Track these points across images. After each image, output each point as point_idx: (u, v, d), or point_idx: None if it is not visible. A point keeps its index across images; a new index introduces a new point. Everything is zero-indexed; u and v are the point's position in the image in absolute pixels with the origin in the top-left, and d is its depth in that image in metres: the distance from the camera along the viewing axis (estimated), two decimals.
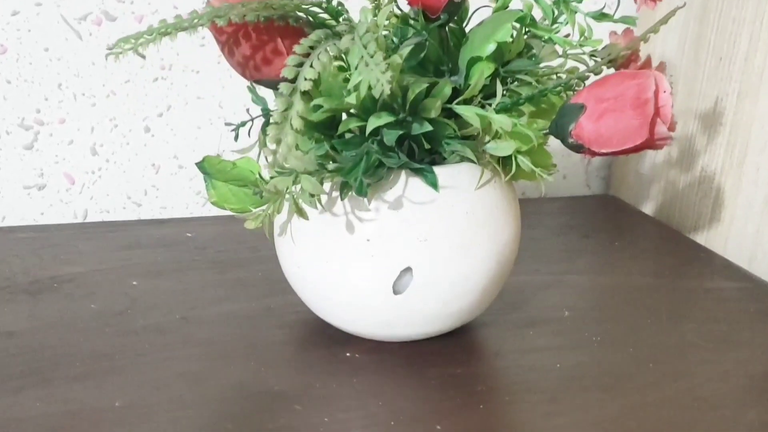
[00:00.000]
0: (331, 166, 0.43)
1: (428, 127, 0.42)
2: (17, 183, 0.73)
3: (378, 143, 0.42)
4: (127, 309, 0.53)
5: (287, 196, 0.44)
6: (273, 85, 0.43)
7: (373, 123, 0.41)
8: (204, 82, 0.75)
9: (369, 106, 0.41)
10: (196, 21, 0.40)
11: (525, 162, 0.44)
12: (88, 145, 0.74)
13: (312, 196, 0.43)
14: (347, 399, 0.44)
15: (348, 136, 0.43)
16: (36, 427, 0.40)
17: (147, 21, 0.72)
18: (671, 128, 0.44)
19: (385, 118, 0.41)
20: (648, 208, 0.82)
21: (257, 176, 0.47)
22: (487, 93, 0.47)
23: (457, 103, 0.43)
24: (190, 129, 0.76)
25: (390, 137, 0.41)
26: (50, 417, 0.41)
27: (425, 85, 0.41)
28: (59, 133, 0.73)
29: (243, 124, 0.50)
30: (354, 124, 0.41)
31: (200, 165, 0.48)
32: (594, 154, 0.45)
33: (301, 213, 0.42)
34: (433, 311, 0.47)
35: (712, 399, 0.46)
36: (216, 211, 0.77)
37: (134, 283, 0.57)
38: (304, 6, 0.41)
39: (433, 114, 0.42)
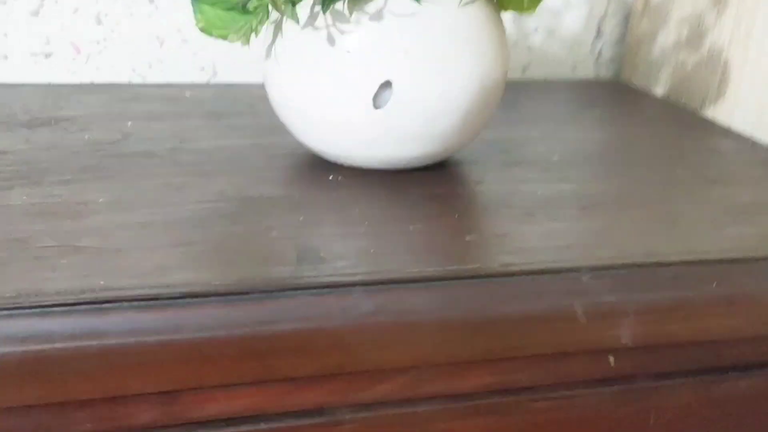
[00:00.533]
0: None
1: None
2: (25, 49, 0.74)
3: None
4: (119, 140, 0.54)
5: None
6: None
7: None
8: None
9: None
10: None
11: None
12: (93, 13, 0.75)
13: (291, 3, 0.44)
14: (324, 205, 0.45)
15: None
16: (21, 212, 0.41)
17: None
18: None
19: None
20: (658, 92, 0.81)
21: None
22: None
23: None
24: None
25: None
26: (34, 206, 0.42)
27: None
28: (64, 1, 0.74)
29: None
30: None
31: None
32: None
33: (280, 8, 0.42)
34: (414, 129, 0.47)
35: (689, 219, 0.46)
36: (218, 80, 0.77)
37: (129, 123, 0.58)
38: None
39: None
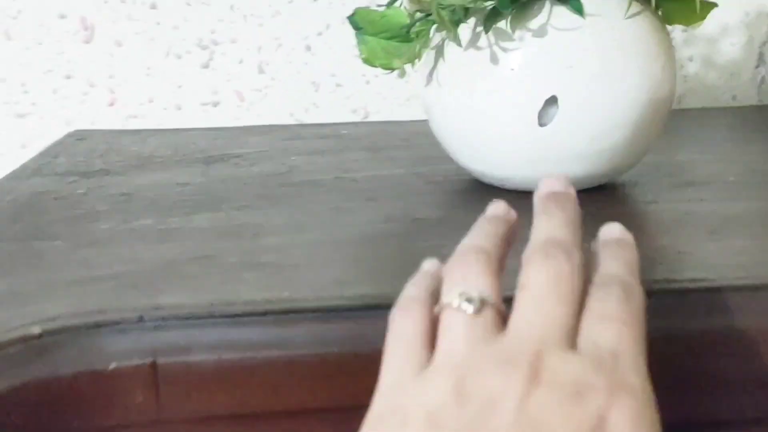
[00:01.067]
0: None
1: None
2: (195, 100, 0.80)
3: None
4: (286, 172, 0.57)
5: (432, 29, 0.45)
6: None
7: None
8: (359, 2, 0.78)
9: None
10: None
11: None
12: (256, 63, 0.80)
13: (455, 24, 0.45)
14: None
15: None
16: (206, 233, 0.44)
17: None
18: None
19: None
20: None
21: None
22: None
23: None
24: (347, 47, 0.80)
25: None
26: (217, 228, 0.45)
27: None
28: (231, 53, 0.79)
29: None
30: None
31: (351, 18, 0.51)
32: None
33: (447, 26, 0.43)
34: (581, 147, 0.46)
35: None
36: (369, 119, 0.80)
37: (293, 158, 0.61)
38: None
39: None
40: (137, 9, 0.77)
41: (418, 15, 0.47)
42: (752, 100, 0.87)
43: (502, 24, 0.45)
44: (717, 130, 0.70)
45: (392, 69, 0.50)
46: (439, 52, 0.49)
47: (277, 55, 0.80)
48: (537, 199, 0.30)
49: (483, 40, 0.46)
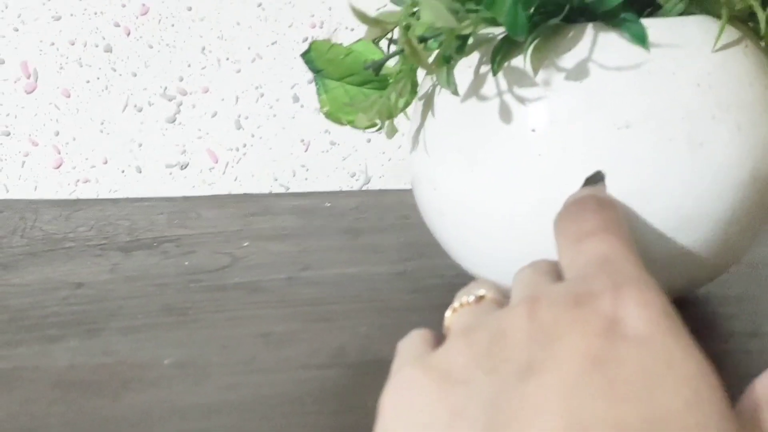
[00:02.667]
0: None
1: None
2: (160, 161, 0.65)
3: None
4: (225, 267, 0.41)
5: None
6: None
7: None
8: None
9: None
10: None
11: None
12: (233, 117, 0.65)
13: (446, 61, 0.29)
14: None
15: None
16: (51, 380, 0.28)
17: None
18: None
19: None
20: None
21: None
22: None
23: None
24: None
25: None
26: (73, 369, 0.29)
27: None
28: (202, 104, 0.65)
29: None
30: None
31: (306, 55, 0.36)
32: None
33: (425, 62, 0.27)
34: (639, 249, 0.29)
35: None
36: (371, 188, 0.64)
37: (245, 244, 0.45)
38: None
39: None
40: (89, 53, 0.63)
41: (394, 48, 0.32)
42: None
43: (519, 61, 0.29)
44: None
45: (364, 127, 0.34)
46: (428, 103, 0.33)
47: (258, 106, 0.65)
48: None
49: (490, 86, 0.30)
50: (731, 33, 0.29)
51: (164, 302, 0.36)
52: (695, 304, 0.34)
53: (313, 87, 0.65)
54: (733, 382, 0.19)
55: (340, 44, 0.35)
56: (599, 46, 0.29)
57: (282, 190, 0.65)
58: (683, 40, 0.29)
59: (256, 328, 0.33)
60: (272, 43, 0.64)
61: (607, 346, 0.18)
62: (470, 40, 0.31)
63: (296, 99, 0.65)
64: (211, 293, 0.37)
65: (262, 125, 0.65)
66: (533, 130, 0.29)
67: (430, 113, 0.33)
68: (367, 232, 0.47)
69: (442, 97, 0.32)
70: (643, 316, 0.19)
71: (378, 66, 0.31)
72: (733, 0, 0.27)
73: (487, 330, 0.21)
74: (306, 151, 0.66)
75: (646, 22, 0.28)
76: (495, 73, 0.30)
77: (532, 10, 0.30)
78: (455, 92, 0.31)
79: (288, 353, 0.30)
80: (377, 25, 0.27)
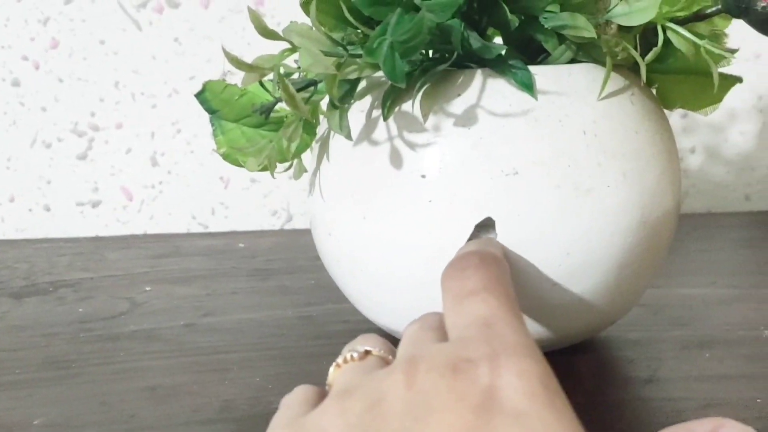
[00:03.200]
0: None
1: None
2: (70, 199, 0.63)
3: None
4: (122, 313, 0.39)
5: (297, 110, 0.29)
6: None
7: None
8: None
9: None
10: None
11: (678, 30, 0.26)
12: (148, 153, 0.63)
13: (336, 106, 0.28)
14: None
15: None
16: None
17: (214, 6, 0.62)
18: None
19: None
20: None
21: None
22: None
23: None
24: None
25: (444, 8, 0.25)
26: None
27: None
28: (116, 140, 0.63)
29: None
30: None
31: (200, 96, 0.35)
32: None
33: (300, 107, 0.27)
34: (529, 299, 0.29)
35: None
36: (293, 227, 0.63)
37: (147, 288, 0.43)
38: None
39: None
40: None
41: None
42: None
43: (410, 106, 0.29)
44: (733, 247, 0.53)
45: (256, 170, 0.33)
46: (324, 146, 0.32)
47: (175, 142, 0.64)
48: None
49: (382, 131, 0.30)
50: (618, 81, 0.30)
51: (49, 354, 0.34)
52: (594, 348, 0.34)
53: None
54: None
55: (235, 84, 0.34)
56: (488, 92, 0.28)
57: (200, 229, 0.64)
58: (570, 88, 0.29)
59: (143, 382, 0.31)
60: (190, 78, 0.63)
61: (482, 422, 0.18)
62: (363, 83, 0.31)
63: (217, 135, 0.64)
64: (101, 343, 0.35)
65: (180, 161, 0.64)
66: (423, 176, 0.28)
67: (325, 157, 0.32)
68: (278, 274, 0.46)
69: (337, 141, 0.31)
70: (521, 387, 0.18)
71: (267, 110, 0.30)
72: (615, 50, 0.27)
73: (363, 395, 0.20)
74: (225, 188, 0.64)
75: (534, 70, 0.29)
76: (386, 118, 0.29)
77: (422, 54, 0.30)
78: (348, 137, 0.30)
79: (172, 409, 0.29)
80: (253, 70, 0.26)
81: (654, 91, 0.33)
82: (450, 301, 0.23)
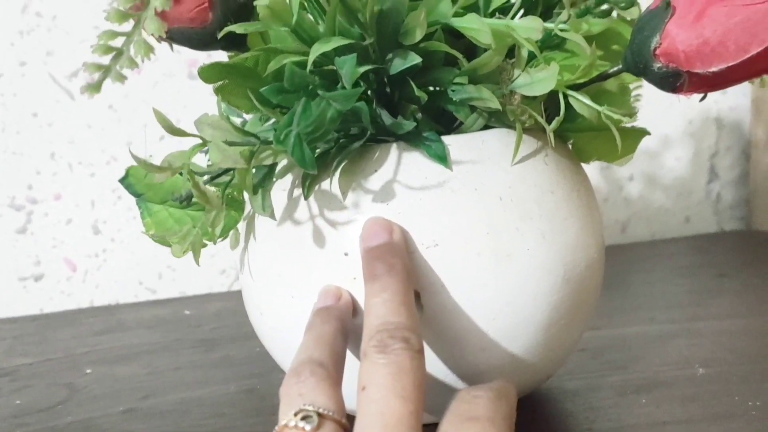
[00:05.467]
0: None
1: (415, 59, 0.27)
2: (11, 274, 0.62)
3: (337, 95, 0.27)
4: (59, 403, 0.38)
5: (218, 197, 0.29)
6: (185, 35, 0.29)
7: (318, 49, 0.25)
8: None
9: (310, 32, 0.26)
10: None
11: (578, 98, 0.27)
12: (89, 223, 0.63)
13: (256, 188, 0.28)
14: None
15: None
16: None
17: (148, 72, 0.62)
18: None
19: (337, 41, 0.25)
20: None
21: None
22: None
23: (455, 15, 0.27)
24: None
25: (349, 71, 0.25)
26: None
27: None
28: (55, 212, 0.62)
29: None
30: (291, 60, 0.26)
31: (123, 180, 0.35)
32: (699, 85, 0.28)
33: (212, 201, 0.27)
34: (459, 365, 0.29)
35: None
36: (239, 284, 0.63)
37: (88, 371, 0.43)
38: None
39: (418, 36, 0.26)
40: None
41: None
42: (709, 221, 0.72)
43: (327, 184, 0.29)
44: (672, 277, 0.54)
45: (173, 254, 0.33)
46: (250, 225, 0.32)
47: (116, 209, 0.63)
48: (362, 256, 0.28)
49: (304, 210, 0.30)
50: (531, 143, 0.30)
51: None
52: (533, 404, 0.34)
53: (164, 144, 0.63)
54: None
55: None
56: (404, 165, 0.29)
57: (148, 294, 0.63)
58: (484, 155, 0.29)
59: None
60: (127, 144, 0.62)
61: None
62: (284, 162, 0.31)
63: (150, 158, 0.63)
64: None
65: (122, 228, 0.63)
66: (346, 254, 0.29)
67: (252, 236, 0.32)
68: (223, 343, 0.46)
69: (262, 219, 0.31)
70: None
71: (188, 197, 0.30)
72: (523, 118, 0.28)
73: None
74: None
75: (448, 140, 0.29)
76: (306, 198, 0.29)
77: (337, 132, 0.30)
78: (272, 216, 0.30)
79: None
80: (162, 171, 0.26)
81: (570, 145, 0.34)
82: (451, 419, 0.23)
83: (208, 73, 0.28)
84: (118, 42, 0.22)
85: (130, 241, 0.63)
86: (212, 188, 0.29)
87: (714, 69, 0.27)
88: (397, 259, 0.27)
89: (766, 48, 0.26)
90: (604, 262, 0.33)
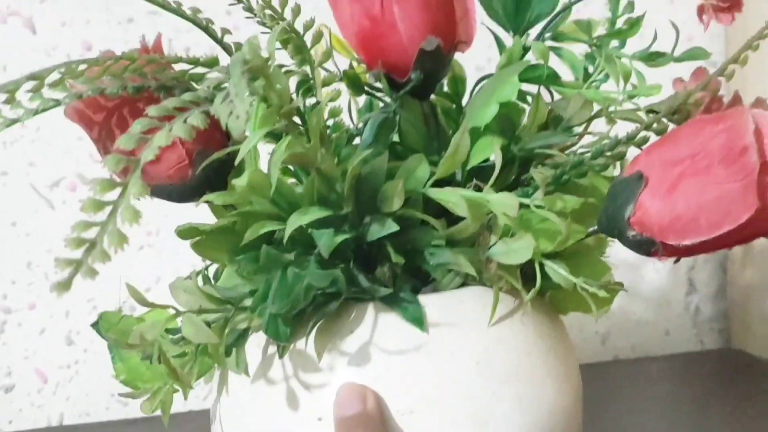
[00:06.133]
0: (247, 301, 0.28)
1: (392, 227, 0.27)
2: None
3: (317, 259, 0.27)
4: None
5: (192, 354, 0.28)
6: (166, 191, 0.29)
7: (295, 222, 0.25)
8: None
9: (289, 197, 0.26)
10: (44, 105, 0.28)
11: (554, 268, 0.27)
12: (63, 333, 0.61)
13: (223, 356, 0.28)
14: None
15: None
16: None
17: None
18: None
19: (314, 214, 0.26)
20: None
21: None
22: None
23: (433, 185, 0.27)
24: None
25: (326, 243, 0.25)
26: None
27: (365, 157, 0.26)
28: (29, 322, 0.61)
29: None
30: (268, 229, 0.26)
31: (96, 326, 0.34)
32: (673, 252, 0.28)
33: (182, 380, 0.26)
34: None
35: None
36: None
37: None
38: (189, 67, 0.28)
39: (396, 205, 0.27)
40: None
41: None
42: (688, 335, 0.72)
43: (302, 343, 0.29)
44: (654, 406, 0.53)
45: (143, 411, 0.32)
46: (223, 378, 0.32)
47: (91, 320, 0.61)
48: (335, 425, 0.27)
49: (278, 369, 0.29)
50: (508, 303, 0.30)
51: None
52: None
53: (151, 295, 0.62)
54: None
55: (130, 315, 0.33)
56: (380, 327, 0.29)
57: (119, 406, 0.61)
58: (461, 317, 0.29)
59: None
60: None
61: None
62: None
63: (132, 309, 0.62)
64: None
65: (96, 339, 0.61)
66: (320, 419, 0.28)
67: (225, 389, 0.31)
68: None
69: (235, 377, 0.31)
70: None
71: (158, 357, 0.29)
72: (500, 284, 0.28)
73: None
74: None
75: (425, 300, 0.29)
76: (281, 357, 0.29)
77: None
78: (245, 373, 0.30)
79: None
80: (135, 347, 0.26)
81: (547, 298, 0.34)
82: None
83: (185, 233, 0.28)
84: (91, 233, 0.22)
85: (104, 353, 0.62)
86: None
87: (687, 242, 0.27)
88: (371, 430, 0.26)
89: (741, 226, 0.26)
90: (582, 407, 0.33)
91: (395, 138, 0.32)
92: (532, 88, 0.33)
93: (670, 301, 0.72)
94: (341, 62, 0.32)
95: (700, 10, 0.28)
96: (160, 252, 0.62)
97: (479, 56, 0.38)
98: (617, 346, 0.71)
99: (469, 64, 0.35)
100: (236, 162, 0.25)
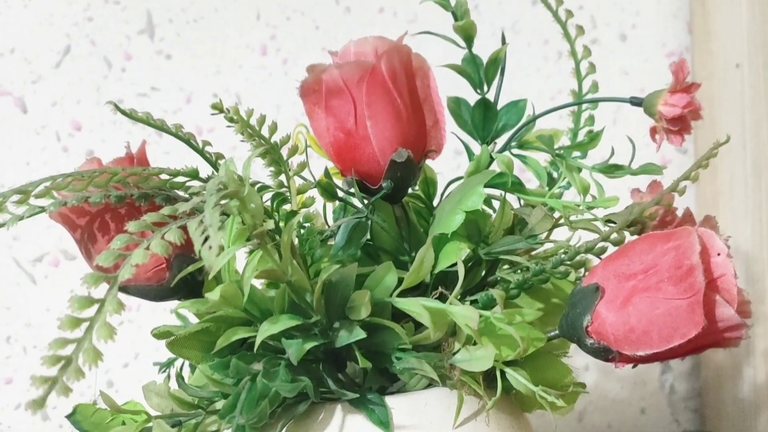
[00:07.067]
0: (219, 404, 0.28)
1: (360, 334, 0.28)
2: None
3: (287, 364, 0.28)
4: None
5: None
6: (143, 291, 0.31)
7: (266, 332, 0.27)
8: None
9: (260, 305, 0.28)
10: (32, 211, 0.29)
11: (515, 376, 0.29)
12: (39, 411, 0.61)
13: None
14: None
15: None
16: None
17: None
18: (743, 311, 0.28)
19: (285, 323, 0.27)
20: None
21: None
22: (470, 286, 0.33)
23: (399, 295, 0.29)
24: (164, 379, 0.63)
25: (295, 351, 0.27)
26: None
27: (338, 268, 0.27)
28: (5, 396, 0.61)
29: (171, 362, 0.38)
30: (241, 335, 0.27)
31: (71, 417, 0.35)
32: (630, 360, 0.29)
33: None
34: None
35: None
36: None
37: None
38: (170, 177, 0.30)
39: (363, 314, 0.28)
40: None
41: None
42: (663, 412, 0.73)
43: None
44: None
45: None
46: None
47: (70, 400, 0.62)
48: None
49: None
50: (472, 404, 0.31)
51: None
52: None
53: (128, 371, 0.63)
54: None
55: (105, 409, 0.34)
56: (348, 428, 0.29)
57: None
58: (426, 419, 0.30)
59: None
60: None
61: None
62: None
63: (110, 384, 0.63)
64: None
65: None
66: None
67: None
68: None
69: None
70: None
71: None
72: (463, 390, 0.29)
73: None
74: None
75: (391, 402, 0.30)
76: None
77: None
78: None
79: None
80: None
81: (513, 396, 0.35)
82: None
83: (160, 335, 0.29)
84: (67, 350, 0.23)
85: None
86: None
87: (640, 353, 0.28)
88: None
89: (689, 341, 0.27)
90: None
91: (368, 237, 0.33)
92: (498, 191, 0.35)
93: (645, 380, 0.73)
94: (316, 169, 0.34)
95: (653, 131, 0.30)
96: (140, 327, 0.63)
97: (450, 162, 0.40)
98: (594, 424, 0.71)
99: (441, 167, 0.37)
100: (210, 276, 0.26)
